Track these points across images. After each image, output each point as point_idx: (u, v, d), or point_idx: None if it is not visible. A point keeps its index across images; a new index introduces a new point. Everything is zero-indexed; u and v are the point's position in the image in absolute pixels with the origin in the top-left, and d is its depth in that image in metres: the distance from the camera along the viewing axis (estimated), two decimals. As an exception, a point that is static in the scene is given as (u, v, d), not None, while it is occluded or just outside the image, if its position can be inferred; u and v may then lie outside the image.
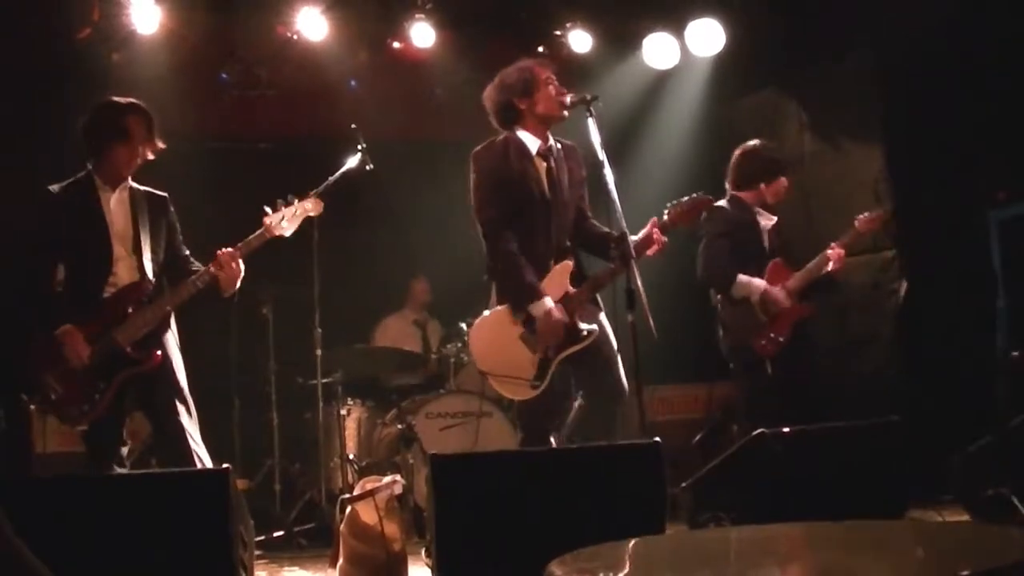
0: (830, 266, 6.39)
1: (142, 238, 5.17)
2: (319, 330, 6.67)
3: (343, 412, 7.24)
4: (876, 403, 6.59)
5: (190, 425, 5.11)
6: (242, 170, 8.06)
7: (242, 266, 5.16)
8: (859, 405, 6.77)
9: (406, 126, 8.39)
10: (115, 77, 7.33)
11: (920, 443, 5.44)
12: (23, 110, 6.94)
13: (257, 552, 6.01)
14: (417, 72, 8.28)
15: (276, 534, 6.60)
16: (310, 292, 6.59)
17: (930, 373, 7.16)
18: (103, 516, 3.99)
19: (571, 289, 5.26)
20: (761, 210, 6.55)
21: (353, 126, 6.25)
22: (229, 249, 5.16)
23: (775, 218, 6.58)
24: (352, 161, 6.18)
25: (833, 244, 6.41)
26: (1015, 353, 6.96)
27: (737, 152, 6.59)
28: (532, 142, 5.34)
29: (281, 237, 5.31)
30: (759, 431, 4.87)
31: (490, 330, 5.30)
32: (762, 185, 6.49)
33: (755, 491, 4.75)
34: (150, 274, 5.14)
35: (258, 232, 5.26)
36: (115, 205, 5.19)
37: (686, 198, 5.36)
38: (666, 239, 5.28)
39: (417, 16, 7.81)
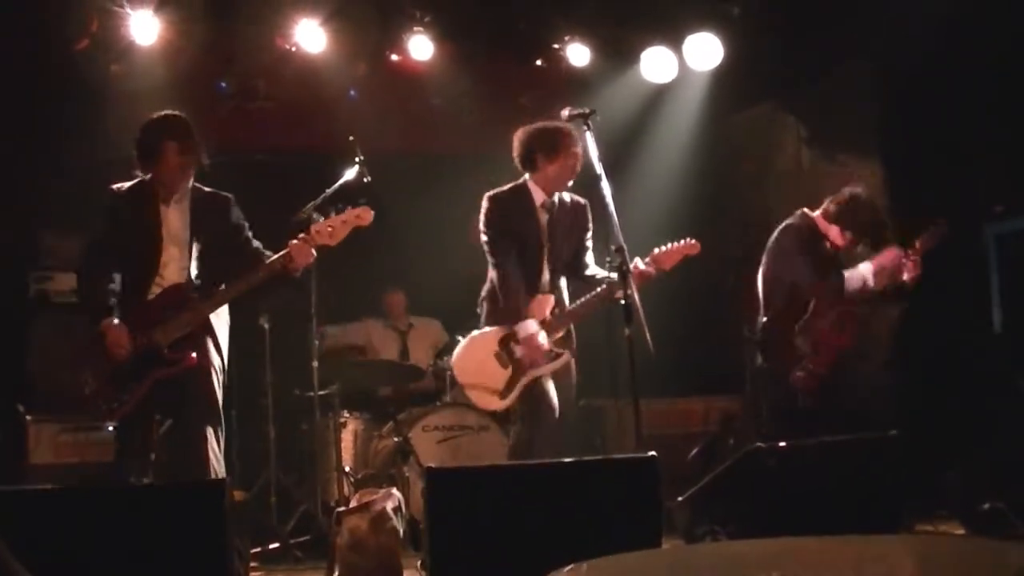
0: (905, 276, 6.09)
1: (194, 242, 5.31)
2: (316, 341, 6.66)
3: (340, 424, 7.22)
4: (873, 417, 6.59)
5: (215, 444, 5.22)
6: (240, 182, 8.04)
7: (314, 252, 5.29)
8: (855, 419, 6.75)
9: (404, 138, 8.40)
10: (114, 88, 7.35)
11: (916, 457, 5.44)
12: (23, 120, 6.95)
13: (253, 564, 6.02)
14: (415, 85, 8.28)
15: (272, 546, 6.57)
16: (308, 303, 6.58)
17: (926, 387, 7.16)
18: (98, 527, 3.98)
19: (548, 316, 5.73)
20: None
21: (351, 138, 6.26)
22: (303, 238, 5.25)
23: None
24: (350, 173, 6.19)
25: (908, 251, 6.13)
26: None
27: (850, 189, 6.31)
28: (538, 195, 5.81)
29: (326, 247, 5.33)
30: (755, 445, 4.87)
31: (471, 346, 5.88)
32: (844, 230, 6.22)
33: (751, 505, 4.75)
34: (195, 277, 5.27)
35: (303, 237, 5.28)
36: (173, 210, 5.35)
37: (672, 244, 5.68)
38: (648, 271, 5.61)
39: (415, 29, 7.82)
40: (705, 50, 8.22)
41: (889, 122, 7.59)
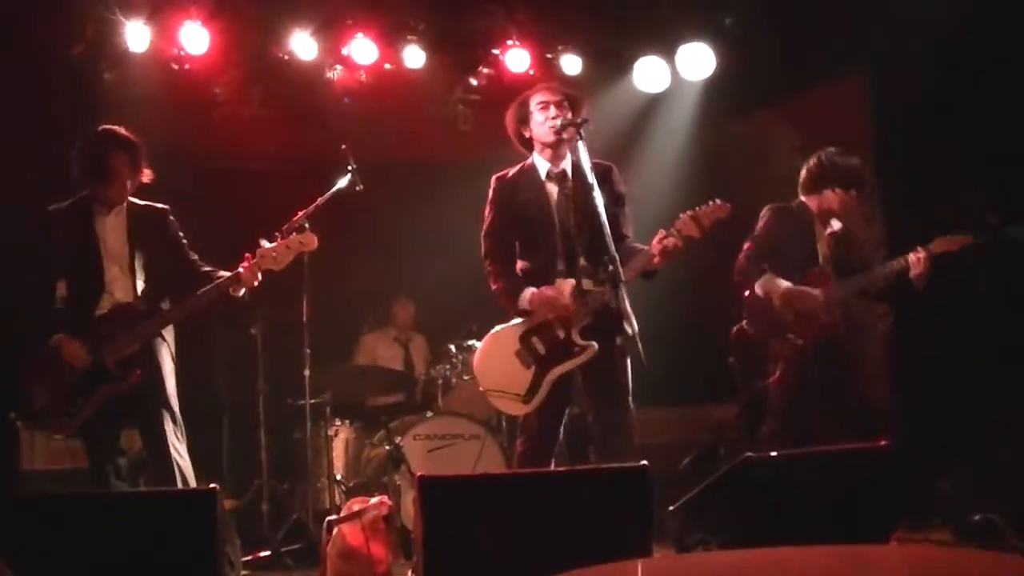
0: (912, 272, 6.01)
1: (136, 258, 5.36)
2: (308, 350, 6.66)
3: (331, 432, 7.22)
4: (865, 427, 6.59)
5: (175, 440, 5.28)
6: (233, 189, 8.06)
7: (259, 276, 5.32)
8: (848, 429, 6.76)
9: (396, 147, 8.40)
10: (108, 95, 7.36)
11: (909, 467, 5.44)
12: (18, 126, 6.94)
13: (244, 572, 6.00)
14: (408, 93, 8.29)
15: (263, 554, 6.57)
16: (299, 312, 6.58)
17: (919, 397, 7.16)
18: (89, 535, 3.97)
19: (569, 303, 5.29)
20: (831, 215, 6.29)
21: (343, 146, 6.26)
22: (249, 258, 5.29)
23: (840, 224, 6.29)
24: (342, 181, 6.20)
25: (918, 248, 6.05)
26: None
27: (812, 156, 6.37)
28: (543, 166, 5.48)
29: (271, 272, 5.38)
30: (746, 455, 4.86)
31: (491, 346, 5.46)
32: (828, 191, 6.24)
33: (743, 515, 4.74)
34: (142, 294, 5.33)
35: (249, 263, 5.32)
36: (110, 227, 5.38)
37: (699, 207, 5.31)
38: (671, 241, 5.22)
39: (409, 38, 7.83)
40: (698, 60, 8.24)
41: (883, 131, 7.60)
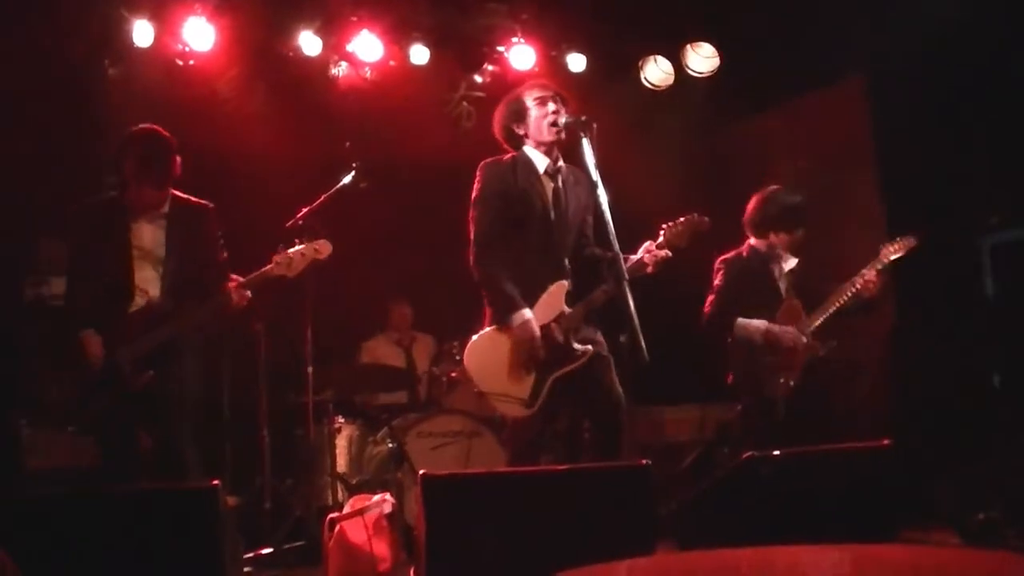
0: (867, 294, 6.19)
1: (168, 258, 5.34)
2: (311, 347, 6.65)
3: (334, 430, 7.21)
4: (867, 427, 6.59)
5: (191, 449, 5.29)
6: (236, 185, 8.05)
7: (248, 294, 5.35)
8: (850, 429, 6.75)
9: (400, 144, 8.39)
10: (112, 91, 7.35)
11: (911, 467, 5.43)
12: (21, 125, 6.94)
13: (246, 569, 6.00)
14: (412, 91, 8.28)
15: (265, 551, 6.55)
16: (302, 308, 6.58)
17: (921, 397, 7.16)
18: (91, 533, 3.98)
19: (566, 309, 5.29)
20: (782, 253, 6.45)
21: (347, 143, 6.27)
22: (237, 280, 5.33)
23: (795, 259, 6.46)
24: (346, 178, 6.20)
25: (863, 271, 6.19)
26: None
27: (755, 197, 6.51)
28: (540, 160, 5.40)
29: (284, 278, 5.40)
30: (748, 454, 4.87)
31: (485, 349, 5.32)
32: (772, 235, 6.42)
33: (744, 514, 4.74)
34: (171, 294, 5.32)
35: (263, 269, 5.37)
36: (147, 225, 5.36)
37: (682, 219, 5.36)
38: (664, 253, 5.29)
39: (414, 35, 7.83)
40: (702, 59, 8.25)
41: (885, 132, 7.60)
